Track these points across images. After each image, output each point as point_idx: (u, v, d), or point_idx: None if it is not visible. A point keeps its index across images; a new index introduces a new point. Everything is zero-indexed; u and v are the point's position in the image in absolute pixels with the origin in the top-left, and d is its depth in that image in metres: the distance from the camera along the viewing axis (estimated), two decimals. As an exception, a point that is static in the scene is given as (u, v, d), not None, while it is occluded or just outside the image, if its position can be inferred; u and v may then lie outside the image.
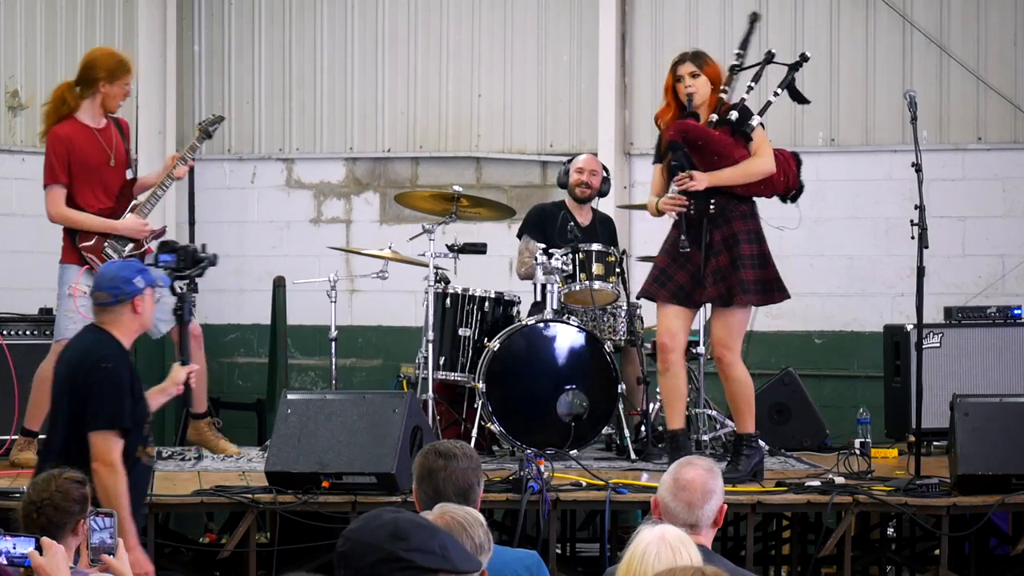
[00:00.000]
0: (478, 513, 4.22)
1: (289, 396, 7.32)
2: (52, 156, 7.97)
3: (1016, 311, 9.07)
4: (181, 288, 6.40)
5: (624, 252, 9.05)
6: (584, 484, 7.37)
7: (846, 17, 10.85)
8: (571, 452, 8.18)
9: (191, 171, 10.99)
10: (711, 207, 7.41)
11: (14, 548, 4.27)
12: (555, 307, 8.47)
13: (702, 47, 10.97)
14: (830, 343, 10.88)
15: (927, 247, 7.60)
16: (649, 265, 9.91)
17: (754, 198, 7.59)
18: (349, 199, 11.63)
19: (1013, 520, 7.92)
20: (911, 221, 7.62)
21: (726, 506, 4.71)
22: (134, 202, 8.13)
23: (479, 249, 8.78)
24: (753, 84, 7.66)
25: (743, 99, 7.53)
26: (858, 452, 8.27)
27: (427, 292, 8.52)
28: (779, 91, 7.65)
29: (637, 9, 11.15)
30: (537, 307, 8.68)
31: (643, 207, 9.60)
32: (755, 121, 7.46)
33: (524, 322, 8.45)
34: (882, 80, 10.78)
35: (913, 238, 7.60)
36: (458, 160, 11.40)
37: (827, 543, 7.40)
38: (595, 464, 7.99)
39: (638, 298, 8.13)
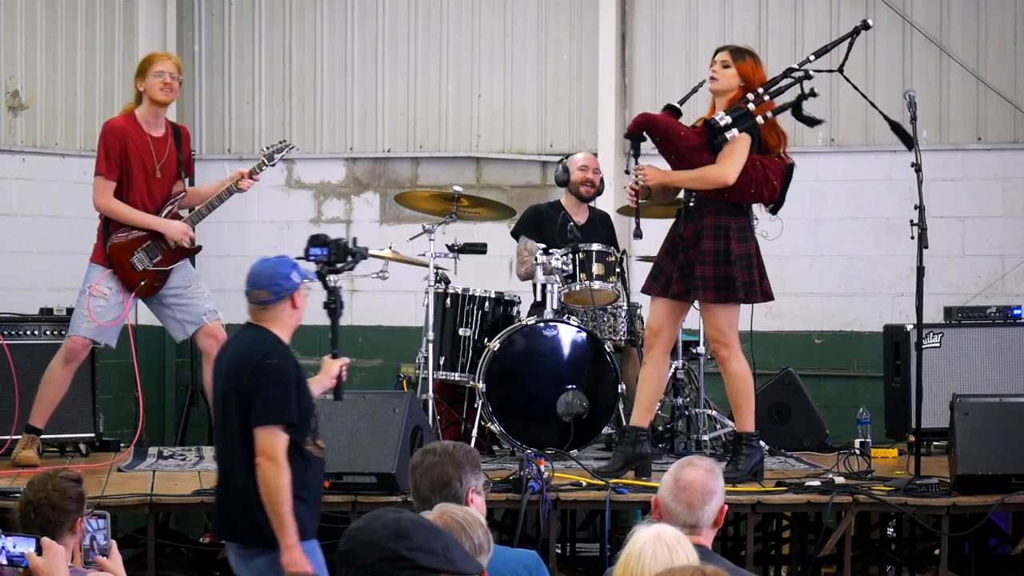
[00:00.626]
0: (478, 513, 4.22)
1: (289, 396, 7.30)
2: (105, 147, 7.93)
3: (1016, 311, 9.07)
4: (333, 282, 6.40)
5: (624, 252, 9.05)
6: (584, 484, 7.37)
7: (846, 17, 10.84)
8: (571, 452, 8.18)
9: (191, 172, 11.04)
10: (691, 202, 7.40)
11: (13, 548, 4.27)
12: (555, 307, 8.48)
13: (702, 47, 11.04)
14: (830, 343, 10.88)
15: (927, 247, 7.60)
16: (649, 265, 9.95)
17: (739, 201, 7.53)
18: (349, 199, 11.63)
19: (1013, 520, 7.92)
20: (911, 221, 7.63)
21: (727, 507, 4.71)
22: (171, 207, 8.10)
23: (479, 249, 8.78)
24: (767, 98, 7.54)
25: (748, 101, 7.45)
26: (858, 452, 8.28)
27: (427, 292, 8.53)
28: (763, 119, 7.46)
29: (637, 9, 11.15)
30: (537, 307, 8.68)
31: (644, 206, 9.65)
32: (730, 134, 7.34)
33: (524, 322, 8.45)
34: (882, 80, 10.78)
35: (913, 238, 7.60)
36: (458, 160, 11.40)
37: (827, 543, 7.40)
38: (595, 464, 7.99)
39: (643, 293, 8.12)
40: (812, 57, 7.64)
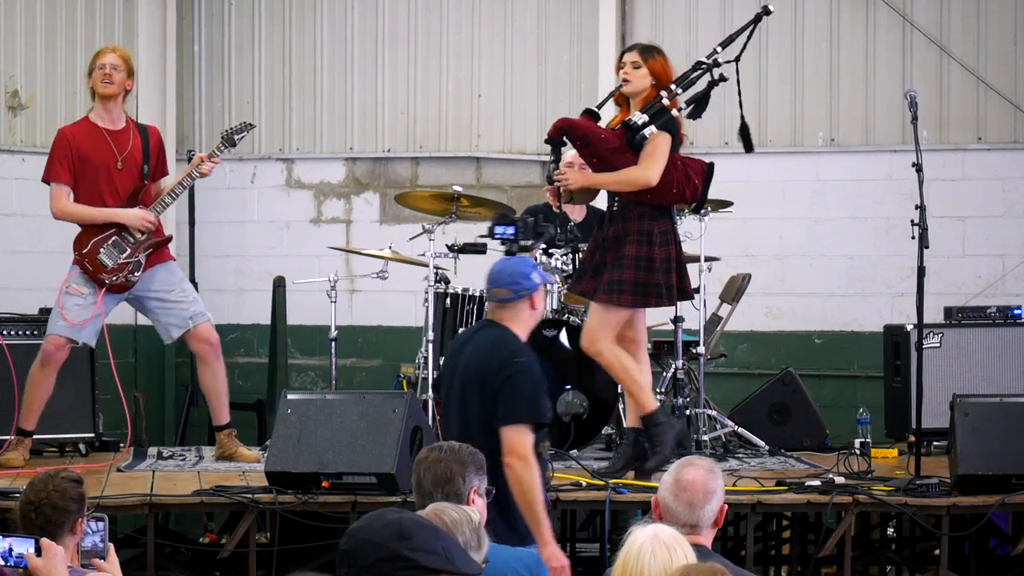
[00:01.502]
0: (472, 512, 4.22)
1: (289, 396, 7.31)
2: (55, 154, 7.97)
3: (1016, 311, 9.07)
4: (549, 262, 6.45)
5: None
6: (584, 484, 7.36)
7: (846, 17, 10.85)
8: (571, 452, 8.18)
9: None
10: (615, 204, 7.37)
11: (11, 549, 4.26)
12: (555, 307, 8.47)
13: (702, 47, 11.01)
14: (830, 343, 10.88)
15: (927, 247, 7.60)
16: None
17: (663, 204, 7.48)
18: (349, 199, 11.62)
19: (1013, 520, 7.92)
20: (911, 221, 7.62)
21: (726, 506, 4.71)
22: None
23: (479, 249, 8.77)
24: (681, 91, 7.52)
25: (662, 98, 7.38)
26: (858, 452, 8.28)
27: (427, 292, 8.52)
28: (677, 111, 7.44)
29: (637, 9, 11.15)
30: (537, 307, 8.67)
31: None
32: (648, 131, 7.29)
33: (524, 322, 8.44)
34: (882, 80, 10.79)
35: (913, 238, 7.60)
36: (458, 160, 11.40)
37: (827, 543, 7.40)
38: (595, 464, 7.99)
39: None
40: (719, 48, 7.63)
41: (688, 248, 8.82)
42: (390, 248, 9.08)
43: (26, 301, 9.70)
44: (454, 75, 11.39)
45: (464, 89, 11.36)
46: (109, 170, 7.98)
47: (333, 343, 9.25)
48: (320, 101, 11.61)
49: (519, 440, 5.67)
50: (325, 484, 6.95)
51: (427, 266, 8.57)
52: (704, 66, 7.53)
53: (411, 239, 8.94)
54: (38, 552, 4.27)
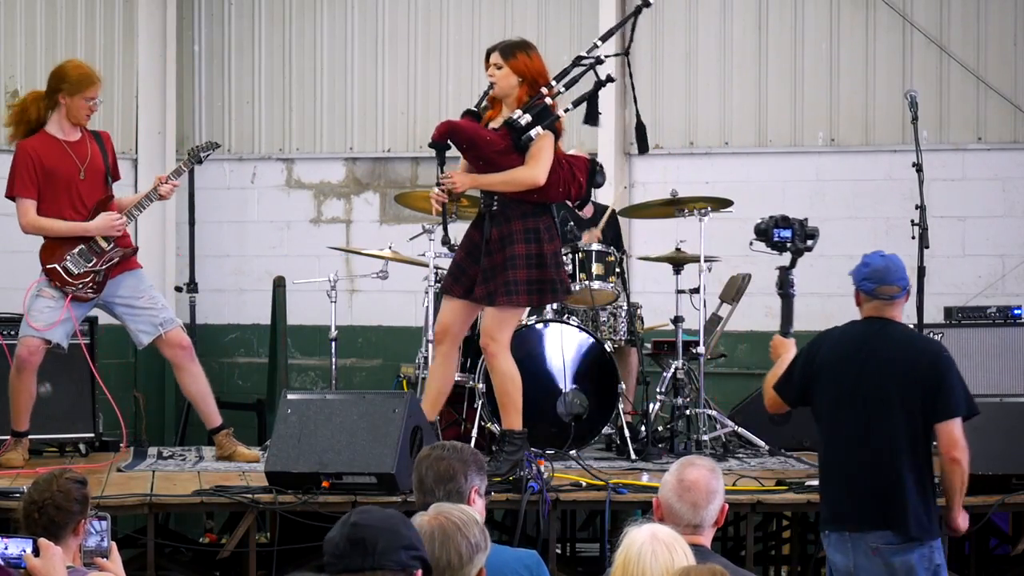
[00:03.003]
0: (475, 512, 4.22)
1: (289, 396, 7.31)
2: (19, 167, 7.94)
3: (1016, 311, 9.06)
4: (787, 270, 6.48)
5: (624, 252, 9.04)
6: (584, 484, 7.36)
7: (846, 17, 10.85)
8: (571, 452, 8.18)
9: (191, 172, 11.02)
10: (494, 205, 7.35)
11: (6, 549, 4.26)
12: (555, 307, 8.47)
13: (702, 47, 11.05)
14: (830, 343, 10.86)
15: (927, 247, 7.60)
16: (650, 265, 9.95)
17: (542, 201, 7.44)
18: (349, 199, 11.63)
19: (1013, 520, 7.92)
20: (911, 221, 7.63)
21: (727, 506, 4.71)
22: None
23: (479, 249, 8.76)
24: (563, 89, 7.46)
25: (543, 96, 7.31)
26: (858, 452, 8.26)
27: (427, 292, 8.52)
28: (563, 112, 7.38)
29: (637, 9, 11.14)
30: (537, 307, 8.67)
31: (644, 207, 9.66)
32: (534, 132, 7.22)
33: (524, 322, 8.44)
34: (882, 80, 10.79)
35: (913, 238, 7.60)
36: (458, 160, 11.38)
37: (827, 543, 7.39)
38: (595, 464, 7.99)
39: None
40: (599, 43, 7.62)
41: (688, 248, 8.84)
42: (390, 248, 9.07)
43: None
44: (454, 75, 11.39)
45: (464, 89, 11.35)
46: (74, 181, 7.97)
47: (333, 343, 9.25)
48: (320, 101, 11.61)
49: (957, 434, 5.84)
50: (325, 484, 6.94)
51: (427, 266, 8.57)
52: (586, 61, 7.49)
53: (411, 239, 8.94)
54: (36, 552, 4.26)
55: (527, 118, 7.19)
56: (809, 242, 6.73)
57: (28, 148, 7.98)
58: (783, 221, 6.67)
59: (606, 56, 7.54)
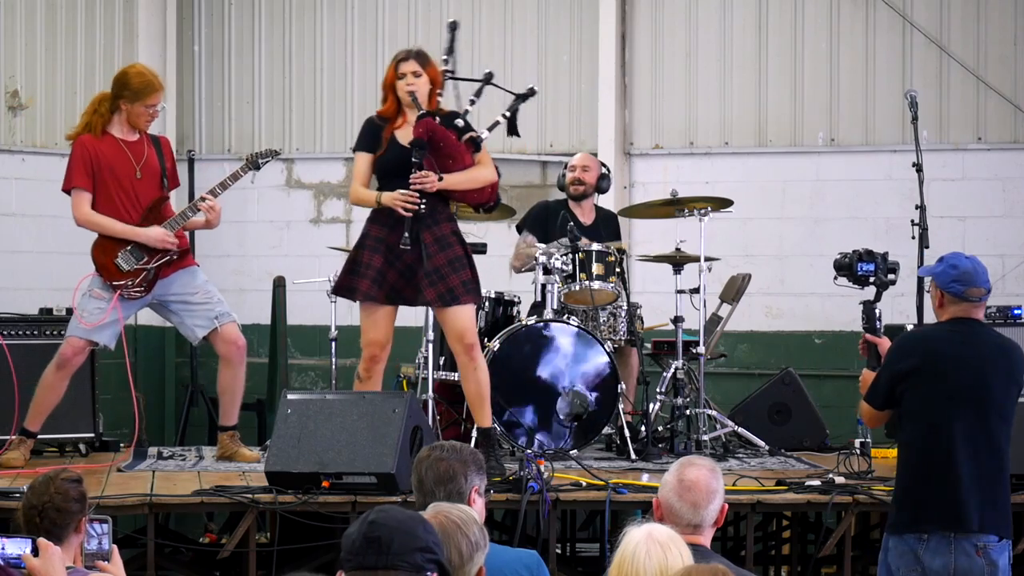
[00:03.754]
0: (473, 511, 4.22)
1: (289, 396, 7.31)
2: (76, 161, 7.95)
3: (1016, 311, 9.06)
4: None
5: (624, 252, 9.05)
6: (584, 484, 7.36)
7: (846, 17, 10.86)
8: (571, 452, 8.18)
9: (191, 170, 11.00)
10: (422, 207, 7.34)
11: (6, 549, 4.26)
12: (555, 307, 8.48)
13: (702, 47, 11.06)
14: (830, 343, 10.89)
15: (927, 247, 7.60)
16: (650, 265, 9.95)
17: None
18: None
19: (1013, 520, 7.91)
20: (911, 221, 7.63)
21: (727, 506, 4.71)
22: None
23: (479, 249, 8.76)
24: (475, 98, 7.57)
25: (467, 110, 7.48)
26: (858, 452, 8.27)
27: (427, 292, 8.51)
28: (503, 118, 7.52)
29: (637, 9, 11.15)
30: (537, 307, 8.68)
31: (644, 207, 9.66)
32: (484, 135, 7.40)
33: (524, 322, 8.45)
34: (882, 80, 10.79)
35: (913, 238, 7.60)
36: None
37: (827, 543, 7.40)
38: (595, 464, 7.99)
39: (336, 295, 7.83)
40: (447, 57, 7.72)
41: (688, 248, 8.84)
42: (390, 248, 9.06)
43: (26, 301, 9.71)
44: (454, 75, 11.39)
45: (464, 89, 11.35)
46: (130, 180, 7.97)
47: (333, 343, 9.25)
48: (320, 101, 11.61)
49: None
50: (325, 484, 6.94)
51: (427, 266, 8.56)
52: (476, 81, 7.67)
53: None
54: (35, 552, 4.26)
55: (462, 122, 7.34)
56: (891, 276, 6.77)
57: (86, 143, 7.98)
58: (867, 255, 6.73)
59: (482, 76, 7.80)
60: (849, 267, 6.83)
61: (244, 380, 8.26)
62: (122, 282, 7.92)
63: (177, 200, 8.49)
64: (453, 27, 7.90)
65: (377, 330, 7.43)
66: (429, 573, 3.45)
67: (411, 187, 7.28)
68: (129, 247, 7.94)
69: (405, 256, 7.32)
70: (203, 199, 8.00)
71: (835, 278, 7.25)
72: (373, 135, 7.45)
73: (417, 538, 3.43)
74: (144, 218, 7.98)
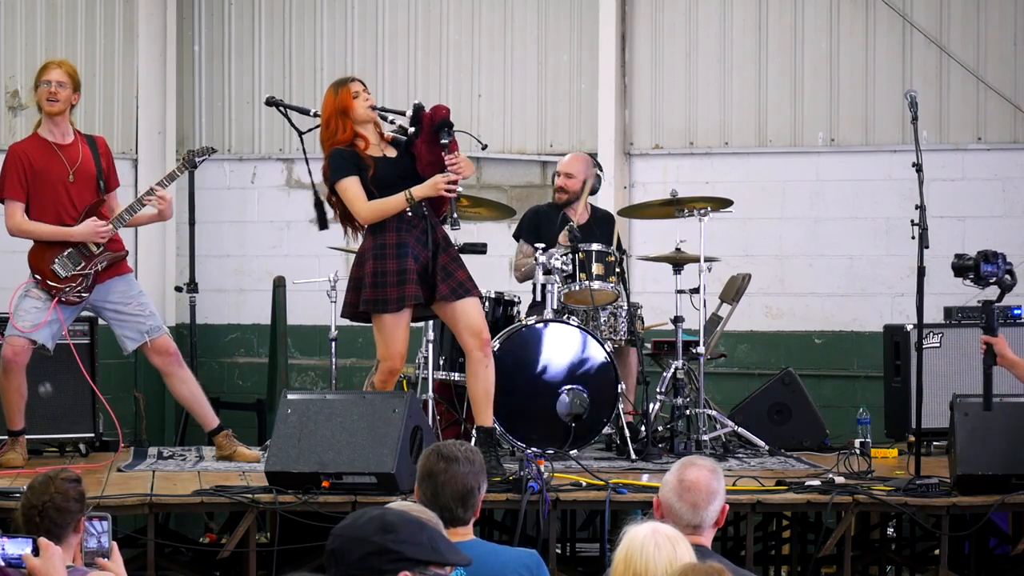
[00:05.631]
0: (432, 514, 4.20)
1: (289, 396, 7.31)
2: (8, 170, 7.97)
3: (1016, 311, 9.06)
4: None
5: (624, 252, 9.04)
6: (584, 484, 7.36)
7: (846, 17, 10.85)
8: (571, 452, 8.18)
9: (191, 173, 11.00)
10: (425, 209, 7.35)
11: (6, 549, 4.26)
12: (555, 307, 8.47)
13: (702, 47, 11.06)
14: (830, 343, 10.88)
15: (927, 247, 7.60)
16: (649, 265, 9.94)
17: None
18: (349, 199, 11.61)
19: (1013, 520, 7.92)
20: (911, 221, 7.63)
21: (727, 506, 4.71)
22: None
23: (479, 249, 8.77)
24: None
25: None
26: (858, 452, 8.28)
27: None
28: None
29: (637, 9, 11.15)
30: (537, 307, 8.68)
31: (644, 207, 9.66)
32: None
33: (524, 322, 8.45)
34: (882, 80, 10.79)
35: (913, 238, 7.60)
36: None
37: (827, 543, 7.40)
38: (595, 464, 7.99)
39: (377, 311, 7.46)
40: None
41: (688, 248, 8.84)
42: (390, 248, 9.05)
43: None
44: (454, 75, 11.39)
45: (464, 89, 11.36)
46: (63, 184, 7.97)
47: (333, 343, 9.25)
48: (320, 101, 11.58)
49: None
50: (325, 484, 6.95)
51: (427, 266, 8.56)
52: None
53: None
54: (36, 552, 4.27)
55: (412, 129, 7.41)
56: (1007, 278, 6.83)
57: (18, 151, 8.02)
58: (991, 256, 6.79)
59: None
60: (975, 268, 6.88)
61: (195, 381, 8.28)
62: (60, 287, 7.93)
63: (125, 197, 8.45)
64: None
65: (402, 342, 7.39)
66: (395, 574, 3.46)
67: (448, 168, 7.30)
68: (66, 252, 7.94)
69: (421, 258, 7.33)
70: (151, 191, 8.00)
71: (964, 281, 7.29)
72: (351, 160, 7.43)
73: (370, 543, 3.43)
74: (80, 223, 7.98)
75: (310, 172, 7.77)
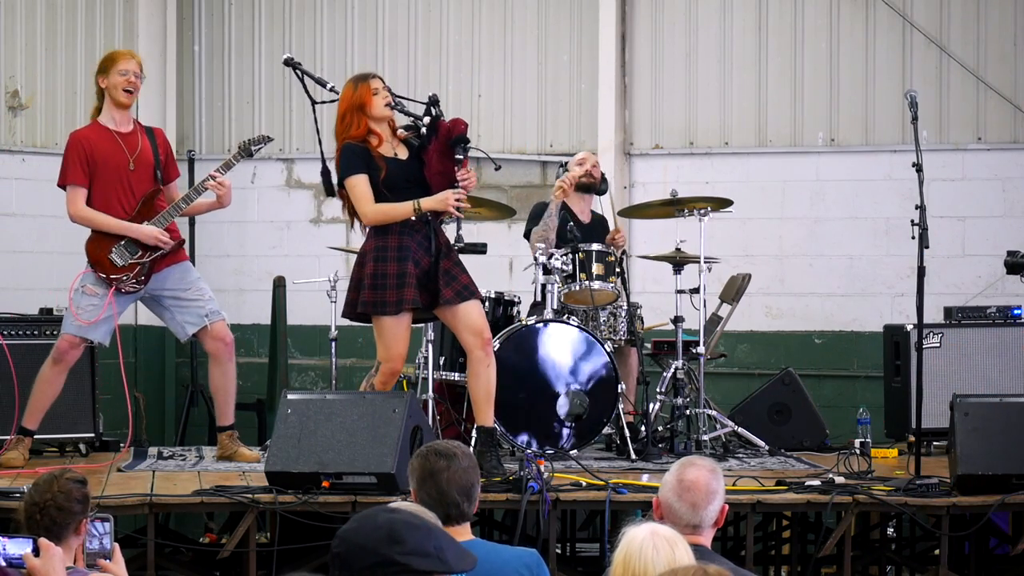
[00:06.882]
0: (430, 514, 4.21)
1: (289, 396, 7.31)
2: (69, 156, 7.97)
3: (1016, 311, 9.07)
4: None
5: (624, 252, 9.04)
6: (584, 484, 7.37)
7: (846, 17, 10.86)
8: (571, 452, 8.18)
9: (191, 170, 11.01)
10: (428, 215, 7.35)
11: (6, 549, 4.26)
12: (555, 307, 8.48)
13: (702, 47, 11.07)
14: (830, 343, 10.89)
15: (927, 247, 7.60)
16: (650, 265, 9.95)
17: None
18: (349, 199, 11.62)
19: (1013, 520, 7.92)
20: (911, 221, 7.62)
21: (727, 506, 4.70)
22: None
23: (479, 249, 8.75)
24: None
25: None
26: (858, 452, 8.28)
27: (427, 292, 8.51)
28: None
29: (637, 9, 11.15)
30: (537, 307, 8.68)
31: (644, 207, 9.65)
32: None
33: (524, 322, 8.45)
34: (882, 80, 10.79)
35: (913, 238, 7.60)
36: (458, 160, 11.39)
37: (827, 543, 7.39)
38: (595, 464, 7.99)
39: (377, 313, 7.42)
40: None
41: (688, 248, 8.84)
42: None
43: (26, 301, 9.71)
44: (454, 75, 11.40)
45: (464, 89, 11.36)
46: (123, 172, 7.99)
47: (333, 343, 9.25)
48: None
49: None
50: (325, 484, 6.95)
51: (427, 266, 8.56)
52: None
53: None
54: (36, 552, 4.27)
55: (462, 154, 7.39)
56: None
57: (80, 137, 8.03)
58: None
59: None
60: None
61: (235, 377, 8.27)
62: (117, 276, 7.93)
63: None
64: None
65: (403, 343, 7.38)
66: None
67: (459, 184, 7.29)
68: (123, 242, 7.95)
69: (422, 262, 7.33)
70: (211, 177, 8.01)
71: (1021, 278, 7.30)
72: (362, 158, 7.40)
73: (377, 555, 3.43)
74: (138, 211, 8.00)
75: (320, 142, 7.73)
